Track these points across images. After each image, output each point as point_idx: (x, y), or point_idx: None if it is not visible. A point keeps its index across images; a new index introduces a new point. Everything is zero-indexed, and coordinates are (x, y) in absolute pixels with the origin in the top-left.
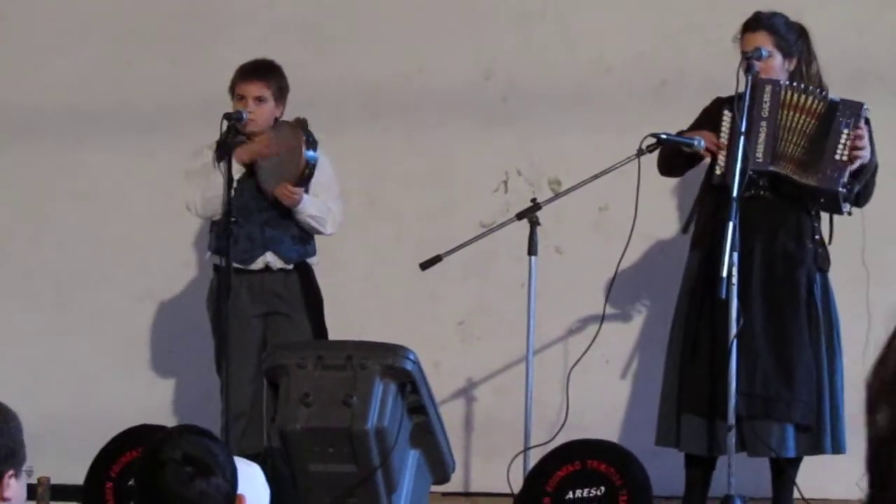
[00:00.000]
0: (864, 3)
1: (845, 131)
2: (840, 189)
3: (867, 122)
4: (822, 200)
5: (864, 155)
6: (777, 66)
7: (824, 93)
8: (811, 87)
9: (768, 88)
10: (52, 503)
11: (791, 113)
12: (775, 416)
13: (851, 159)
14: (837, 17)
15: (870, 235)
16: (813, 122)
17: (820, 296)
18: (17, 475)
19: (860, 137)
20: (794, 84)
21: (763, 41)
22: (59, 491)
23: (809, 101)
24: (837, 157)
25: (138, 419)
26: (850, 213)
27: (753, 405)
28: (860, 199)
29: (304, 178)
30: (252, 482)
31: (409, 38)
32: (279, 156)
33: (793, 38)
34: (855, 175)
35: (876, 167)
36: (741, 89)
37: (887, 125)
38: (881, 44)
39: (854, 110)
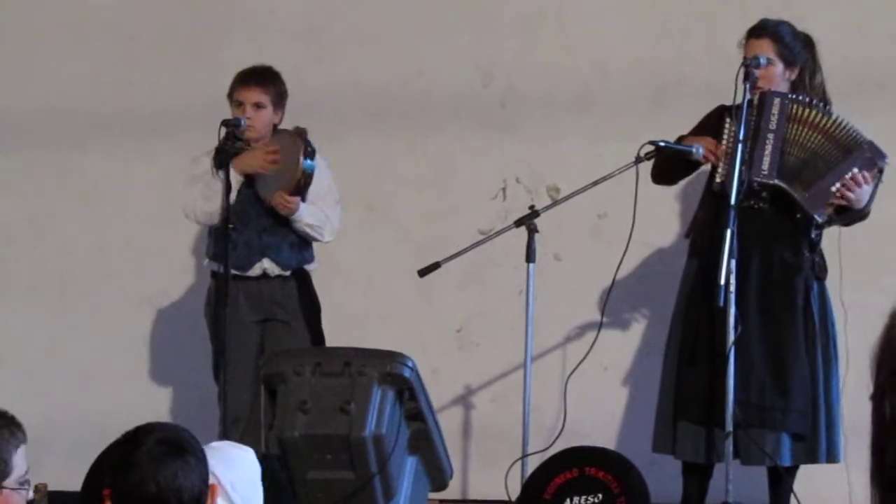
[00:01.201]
0: (864, 11)
1: (854, 170)
2: (817, 217)
3: (880, 171)
4: (797, 216)
5: (853, 199)
6: (777, 74)
7: (831, 109)
8: (829, 109)
9: (776, 101)
10: None
11: (799, 127)
12: (769, 425)
13: (840, 196)
14: (838, 23)
15: (845, 238)
16: (825, 142)
17: (817, 304)
18: None
19: (857, 183)
20: (802, 98)
21: (765, 48)
22: (57, 498)
23: (821, 119)
24: (834, 189)
25: (137, 425)
26: (816, 238)
27: (749, 414)
28: (844, 224)
29: (300, 187)
30: (241, 461)
31: (409, 44)
32: (278, 165)
33: (797, 47)
34: (840, 212)
35: (866, 216)
36: (739, 96)
37: (887, 133)
38: (881, 51)
39: (873, 156)
